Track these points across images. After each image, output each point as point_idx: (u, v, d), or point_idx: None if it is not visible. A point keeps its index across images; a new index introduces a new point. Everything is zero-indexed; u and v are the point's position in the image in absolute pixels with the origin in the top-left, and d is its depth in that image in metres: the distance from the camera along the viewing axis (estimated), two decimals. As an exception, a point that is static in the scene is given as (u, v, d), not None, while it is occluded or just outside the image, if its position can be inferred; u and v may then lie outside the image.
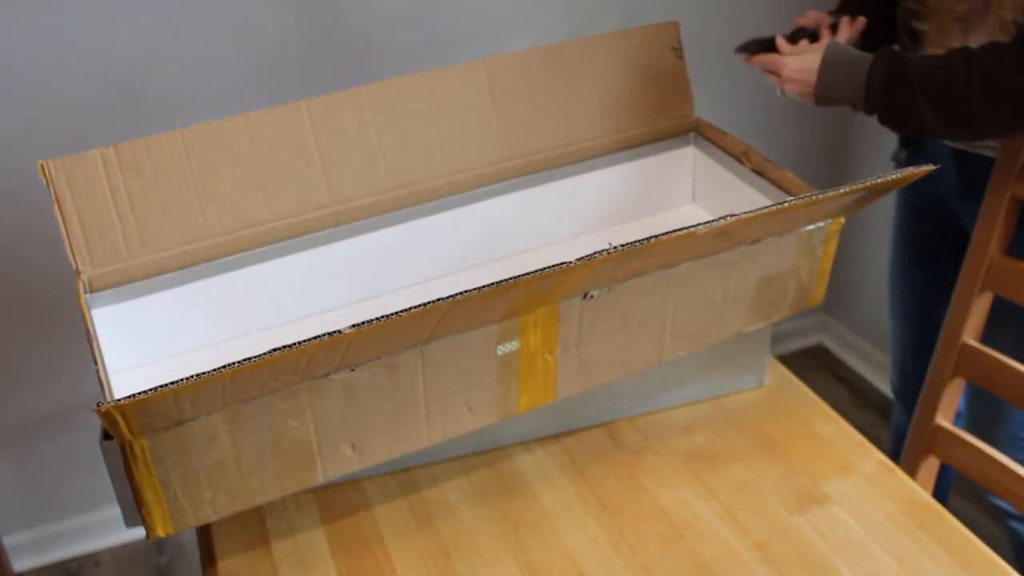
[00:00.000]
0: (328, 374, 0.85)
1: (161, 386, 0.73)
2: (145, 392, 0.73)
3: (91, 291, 1.01)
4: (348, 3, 1.69)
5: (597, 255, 0.83)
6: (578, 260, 0.82)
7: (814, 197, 0.93)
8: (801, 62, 1.24)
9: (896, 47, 1.23)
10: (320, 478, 0.92)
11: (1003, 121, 1.13)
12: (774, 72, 1.28)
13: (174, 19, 1.59)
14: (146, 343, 1.07)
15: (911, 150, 1.44)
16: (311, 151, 1.09)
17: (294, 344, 0.75)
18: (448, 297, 0.78)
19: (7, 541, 1.88)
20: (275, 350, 0.75)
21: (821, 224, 1.04)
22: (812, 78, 1.22)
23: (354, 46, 1.72)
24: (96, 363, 0.85)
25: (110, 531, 1.97)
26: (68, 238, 1.01)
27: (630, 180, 1.26)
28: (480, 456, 1.11)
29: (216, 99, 1.66)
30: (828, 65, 1.21)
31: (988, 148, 1.30)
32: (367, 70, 1.74)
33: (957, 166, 1.36)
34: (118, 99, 1.61)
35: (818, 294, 1.12)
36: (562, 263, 0.82)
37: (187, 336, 1.09)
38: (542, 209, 1.22)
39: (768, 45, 1.30)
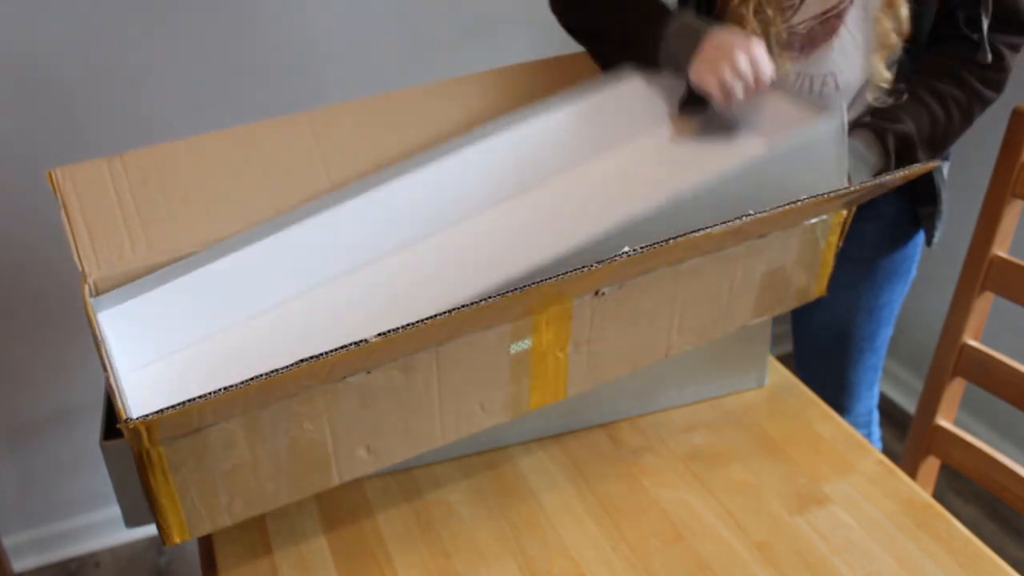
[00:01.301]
0: (344, 377, 0.86)
1: (187, 401, 0.73)
2: (172, 407, 0.73)
3: (96, 294, 1.01)
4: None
5: (617, 257, 0.84)
6: (597, 264, 0.83)
7: (826, 196, 0.94)
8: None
9: None
10: (335, 480, 0.92)
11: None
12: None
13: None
14: (149, 339, 1.06)
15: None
16: (315, 160, 1.10)
17: (320, 355, 0.75)
18: (470, 305, 0.80)
19: (7, 541, 1.88)
20: (301, 361, 0.75)
21: (824, 217, 1.04)
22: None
23: (349, 56, 1.72)
24: (106, 370, 0.84)
25: (110, 531, 1.97)
26: (74, 241, 1.01)
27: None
28: (480, 457, 1.11)
29: (214, 105, 1.66)
30: None
31: None
32: (361, 83, 1.74)
33: None
34: (119, 102, 1.62)
35: (821, 286, 1.12)
36: (582, 267, 0.83)
37: (193, 326, 1.08)
38: (561, 134, 1.18)
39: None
